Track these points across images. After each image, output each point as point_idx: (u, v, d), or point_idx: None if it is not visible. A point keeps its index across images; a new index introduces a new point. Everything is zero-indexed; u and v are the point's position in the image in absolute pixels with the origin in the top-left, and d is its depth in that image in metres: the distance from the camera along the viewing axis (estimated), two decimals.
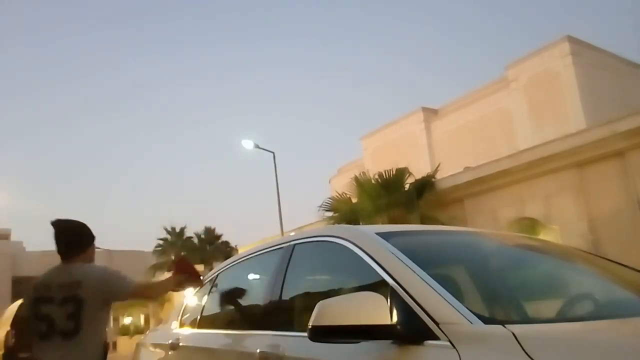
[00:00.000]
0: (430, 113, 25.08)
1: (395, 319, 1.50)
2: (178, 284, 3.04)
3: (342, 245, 2.05)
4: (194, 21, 70.02)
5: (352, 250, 1.98)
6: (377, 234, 2.02)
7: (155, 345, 3.65)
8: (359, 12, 69.64)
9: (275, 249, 2.62)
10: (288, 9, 69.09)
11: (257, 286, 2.89)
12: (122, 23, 69.32)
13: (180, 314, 3.56)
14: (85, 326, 2.75)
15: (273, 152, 19.32)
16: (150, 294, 3.46)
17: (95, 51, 69.05)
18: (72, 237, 2.95)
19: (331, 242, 2.16)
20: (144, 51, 68.25)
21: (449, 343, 1.39)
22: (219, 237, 31.87)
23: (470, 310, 1.47)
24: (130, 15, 69.81)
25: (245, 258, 3.08)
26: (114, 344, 27.55)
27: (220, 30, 71.70)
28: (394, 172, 13.48)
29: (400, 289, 1.61)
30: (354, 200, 13.94)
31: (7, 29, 63.68)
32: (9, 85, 64.02)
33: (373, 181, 13.68)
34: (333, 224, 13.31)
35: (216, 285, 3.29)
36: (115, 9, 68.59)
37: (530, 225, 11.44)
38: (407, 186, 13.44)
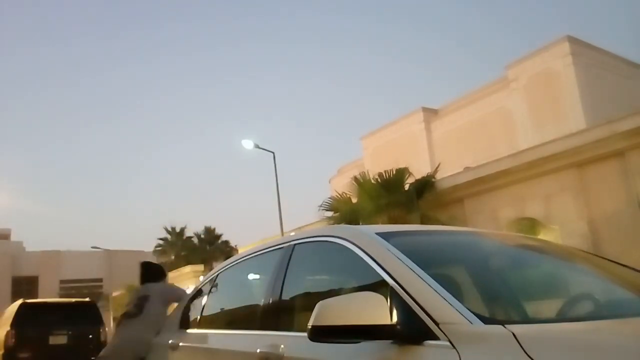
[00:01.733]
0: (430, 113, 25.06)
1: (395, 319, 1.50)
2: None
3: (342, 245, 2.05)
4: (194, 26, 70.04)
5: (352, 250, 1.98)
6: (377, 234, 2.02)
7: (156, 346, 3.65)
8: (359, 16, 69.70)
9: (275, 249, 2.62)
10: (290, 15, 69.14)
11: (257, 286, 2.89)
12: (122, 28, 69.27)
13: (181, 314, 3.57)
14: (146, 311, 4.22)
15: (273, 152, 19.32)
16: None
17: (100, 55, 69.08)
18: (146, 273, 4.76)
19: (331, 242, 2.16)
20: (144, 56, 68.31)
21: (448, 343, 1.39)
22: (219, 237, 31.89)
23: (470, 310, 1.47)
24: (133, 20, 69.77)
25: (245, 258, 3.08)
26: None
27: (220, 35, 71.73)
28: (394, 172, 13.47)
29: (400, 289, 1.61)
30: (354, 200, 13.93)
31: (17, 32, 63.82)
32: (12, 87, 64.08)
33: (373, 181, 13.67)
34: (333, 224, 13.30)
35: (216, 285, 3.29)
36: (123, 14, 68.61)
37: (530, 225, 11.43)
38: (407, 186, 13.42)
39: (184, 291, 4.68)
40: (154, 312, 4.25)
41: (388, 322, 1.48)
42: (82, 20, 68.95)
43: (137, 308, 4.28)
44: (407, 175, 13.58)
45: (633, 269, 2.25)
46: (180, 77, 71.95)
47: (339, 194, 14.66)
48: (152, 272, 4.80)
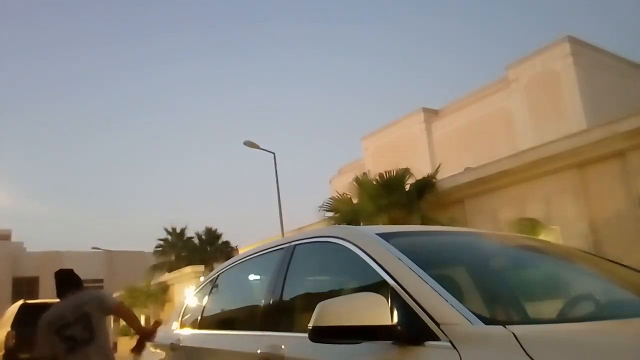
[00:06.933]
0: (431, 113, 25.06)
1: (395, 319, 1.50)
2: (142, 337, 3.96)
3: (342, 245, 2.05)
4: (193, 35, 70.20)
5: (352, 251, 1.98)
6: (377, 234, 2.02)
7: (156, 346, 3.65)
8: (360, 22, 69.87)
9: (275, 250, 2.62)
10: (290, 22, 69.32)
11: (257, 287, 2.89)
12: (134, 37, 69.39)
13: (181, 314, 3.56)
14: (97, 333, 3.85)
15: (274, 153, 19.31)
16: (128, 318, 4.31)
17: (103, 63, 69.21)
18: (65, 282, 4.12)
19: (332, 242, 2.16)
20: (144, 65, 68.46)
21: (449, 344, 1.38)
22: (219, 237, 31.83)
23: (471, 311, 1.47)
24: (140, 30, 69.96)
25: (246, 258, 3.08)
26: (115, 345, 27.53)
27: (220, 42, 71.87)
28: (394, 173, 13.46)
29: (401, 290, 1.61)
30: (355, 201, 13.91)
31: (28, 39, 64.05)
32: (16, 89, 64.22)
33: (373, 182, 13.66)
34: (333, 224, 13.29)
35: (217, 286, 3.29)
36: (133, 22, 68.78)
37: (531, 225, 11.41)
38: (407, 187, 13.41)
39: (114, 300, 4.46)
40: (101, 332, 3.90)
41: (389, 322, 1.48)
42: (94, 26, 69.15)
43: (87, 331, 3.81)
44: (407, 176, 13.56)
45: (633, 269, 2.25)
46: (181, 84, 72.07)
47: (340, 195, 14.64)
48: (74, 281, 4.15)
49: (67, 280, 4.12)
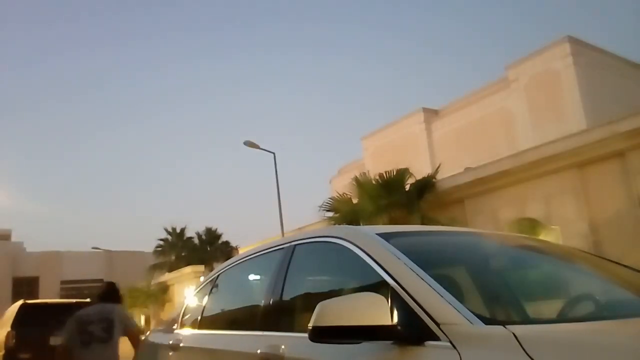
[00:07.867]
0: (431, 113, 25.05)
1: (395, 319, 1.50)
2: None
3: (342, 245, 2.05)
4: (196, 36, 70.30)
5: (352, 251, 1.97)
6: (377, 234, 2.02)
7: (156, 346, 3.65)
8: (359, 21, 69.97)
9: (275, 250, 2.62)
10: (291, 24, 69.43)
11: (257, 287, 2.89)
12: (129, 41, 69.44)
13: (181, 314, 3.56)
14: (114, 337, 4.35)
15: (274, 153, 19.31)
16: (136, 342, 4.66)
17: (103, 64, 69.26)
18: (111, 292, 4.75)
19: (332, 242, 2.16)
20: (144, 68, 68.50)
21: (449, 344, 1.38)
22: (219, 237, 31.84)
23: (471, 311, 1.47)
24: (139, 33, 70.01)
25: (246, 258, 3.08)
26: None
27: (222, 44, 71.98)
28: (394, 173, 13.46)
29: (401, 290, 1.61)
30: (355, 201, 13.91)
31: (29, 39, 64.20)
32: (18, 90, 64.22)
33: (373, 182, 13.66)
34: (334, 224, 13.29)
35: (217, 286, 3.29)
36: (129, 25, 68.91)
37: (531, 225, 11.41)
38: (407, 187, 13.41)
39: (135, 323, 5.10)
40: (117, 339, 4.41)
41: (389, 322, 1.48)
42: (96, 27, 69.26)
43: (106, 332, 4.36)
44: (407, 176, 13.56)
45: (633, 269, 2.25)
46: (182, 85, 72.14)
47: (340, 195, 14.64)
48: (116, 294, 4.81)
49: (111, 291, 4.75)
